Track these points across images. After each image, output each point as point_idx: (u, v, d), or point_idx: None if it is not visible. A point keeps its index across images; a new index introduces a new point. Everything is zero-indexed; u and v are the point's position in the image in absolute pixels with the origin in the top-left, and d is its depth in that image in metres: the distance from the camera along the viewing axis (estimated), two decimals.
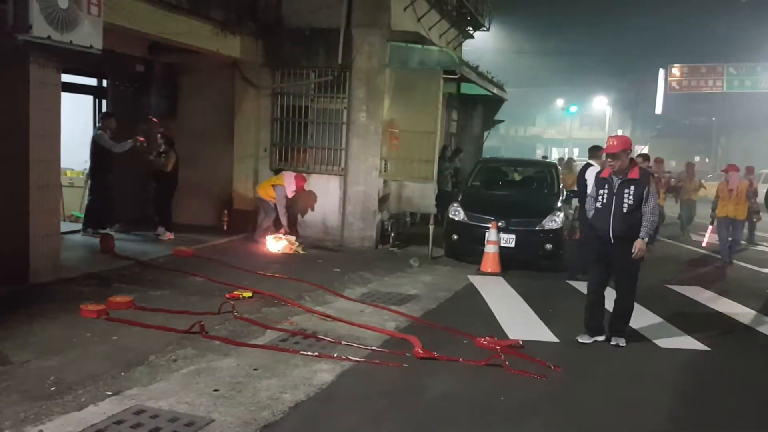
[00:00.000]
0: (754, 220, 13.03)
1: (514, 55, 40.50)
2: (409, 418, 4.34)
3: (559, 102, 54.21)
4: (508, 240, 9.43)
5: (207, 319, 5.95)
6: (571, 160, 19.90)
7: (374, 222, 10.67)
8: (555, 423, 4.42)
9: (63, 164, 8.26)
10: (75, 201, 10.93)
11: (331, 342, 5.62)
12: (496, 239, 9.24)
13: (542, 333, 6.42)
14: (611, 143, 5.89)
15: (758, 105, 37.50)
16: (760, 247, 13.43)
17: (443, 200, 11.82)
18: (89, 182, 10.33)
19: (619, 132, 52.68)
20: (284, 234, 10.16)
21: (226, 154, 11.15)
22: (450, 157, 13.88)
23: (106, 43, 7.00)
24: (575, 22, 43.16)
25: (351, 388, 4.75)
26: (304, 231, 10.94)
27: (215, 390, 4.50)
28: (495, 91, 14.79)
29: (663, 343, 6.25)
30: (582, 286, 7.13)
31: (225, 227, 11.05)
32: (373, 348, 5.55)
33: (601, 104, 53.51)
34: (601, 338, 6.07)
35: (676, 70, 35.57)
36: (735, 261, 11.21)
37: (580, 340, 6.04)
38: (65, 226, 9.62)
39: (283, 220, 10.34)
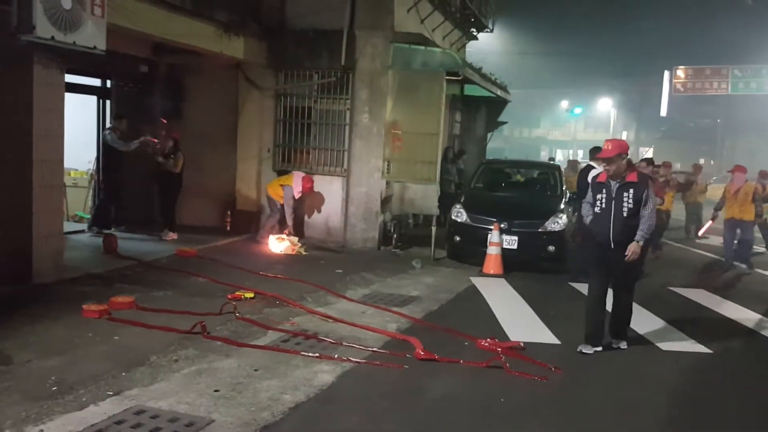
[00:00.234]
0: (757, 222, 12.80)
1: (519, 57, 40.50)
2: (409, 420, 4.34)
3: (564, 104, 54.16)
4: (511, 242, 9.42)
5: (209, 319, 5.96)
6: (576, 162, 19.79)
7: (377, 223, 10.68)
8: (555, 425, 4.41)
9: (67, 164, 8.31)
10: (79, 201, 11.00)
11: (332, 343, 5.63)
12: (499, 241, 9.23)
13: (544, 335, 6.41)
14: (606, 147, 5.79)
15: (763, 107, 37.40)
16: None
17: (446, 202, 11.81)
18: (97, 182, 10.42)
19: (624, 134, 52.68)
20: (288, 235, 10.17)
21: (230, 155, 11.17)
22: (453, 159, 13.87)
23: (110, 44, 7.02)
24: (579, 24, 43.09)
25: (351, 389, 4.75)
26: (307, 232, 10.95)
27: (216, 390, 4.51)
28: (498, 92, 14.78)
29: (664, 345, 6.23)
30: (584, 288, 7.10)
31: (228, 228, 11.07)
32: (374, 349, 5.55)
33: (605, 106, 53.48)
34: (600, 348, 5.92)
35: (680, 72, 35.50)
36: (757, 270, 10.80)
37: (583, 351, 5.86)
38: (69, 226, 9.70)
39: (289, 221, 10.36)
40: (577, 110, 50.03)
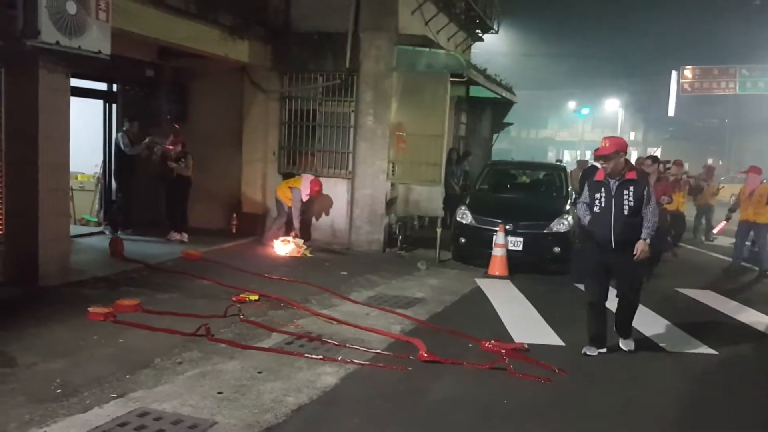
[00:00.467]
0: None
1: (526, 58, 40.46)
2: (411, 421, 4.34)
3: (571, 104, 54.07)
4: (516, 243, 9.40)
5: (213, 322, 5.97)
6: (585, 161, 19.64)
7: (381, 225, 10.69)
8: (557, 427, 4.40)
9: (74, 168, 8.38)
10: (86, 204, 11.06)
11: (336, 345, 5.63)
12: (504, 242, 9.21)
13: (548, 336, 6.39)
14: (604, 144, 5.59)
15: None
16: None
17: (451, 203, 11.81)
18: (104, 185, 10.51)
19: (632, 135, 52.54)
20: (294, 237, 10.19)
21: (235, 157, 11.21)
22: (457, 161, 13.84)
23: (115, 48, 7.06)
24: (586, 25, 43.03)
25: (354, 391, 4.75)
26: (312, 234, 10.98)
27: (219, 393, 4.53)
28: (504, 94, 14.76)
29: (670, 347, 6.20)
30: None
31: (234, 230, 11.09)
32: (378, 351, 5.55)
33: (613, 106, 53.34)
34: (604, 350, 5.85)
35: (688, 72, 35.33)
36: None
37: (587, 353, 5.79)
38: (76, 229, 9.76)
39: (296, 223, 10.39)
40: (585, 111, 49.96)
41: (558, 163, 15.97)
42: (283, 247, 9.90)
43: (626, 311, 5.89)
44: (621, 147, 5.58)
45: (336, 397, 4.61)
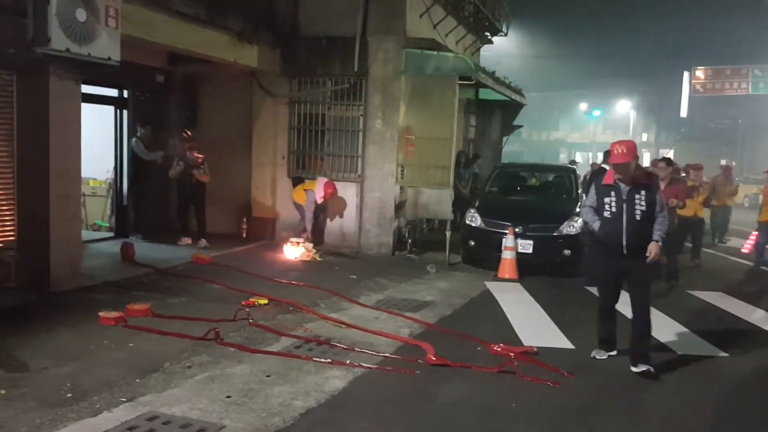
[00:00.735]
0: None
1: (536, 59, 40.35)
2: (418, 425, 4.34)
3: (583, 106, 53.86)
4: (526, 246, 9.37)
5: (222, 326, 5.99)
6: (595, 165, 19.55)
7: (391, 228, 10.69)
8: (566, 430, 4.38)
9: (85, 174, 8.46)
10: (98, 210, 11.15)
11: (345, 349, 5.64)
12: (514, 245, 9.18)
13: (558, 340, 6.37)
14: (619, 151, 5.30)
15: None
16: None
17: (460, 206, 11.79)
18: (115, 191, 10.61)
19: (644, 136, 52.21)
20: (306, 240, 10.23)
21: (245, 162, 11.27)
22: (465, 164, 13.80)
23: (125, 54, 7.12)
24: (596, 26, 42.84)
25: (362, 394, 4.76)
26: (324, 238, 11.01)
27: (228, 396, 4.54)
28: (513, 96, 14.73)
29: (681, 349, 6.15)
30: None
31: (244, 235, 11.14)
32: (386, 355, 5.55)
33: (624, 108, 53.08)
34: (614, 353, 5.76)
35: (700, 73, 35.10)
36: None
37: (597, 357, 5.73)
38: (87, 235, 9.84)
39: (308, 226, 10.43)
40: (596, 112, 49.78)
41: (570, 165, 15.83)
42: (293, 250, 9.93)
43: (641, 326, 5.49)
44: (636, 152, 5.39)
45: (344, 401, 4.61)
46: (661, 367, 5.54)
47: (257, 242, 10.83)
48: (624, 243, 5.38)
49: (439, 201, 11.07)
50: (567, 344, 6.22)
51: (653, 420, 4.59)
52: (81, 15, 6.37)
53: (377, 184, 10.68)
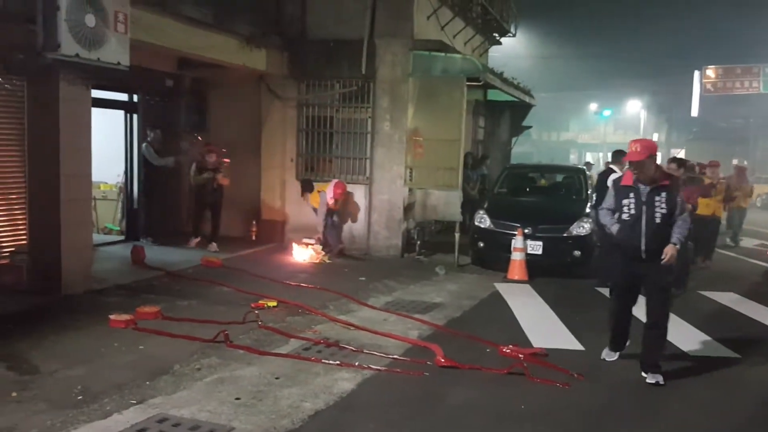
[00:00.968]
0: None
1: (546, 60, 40.19)
2: (427, 427, 4.34)
3: (593, 106, 53.53)
4: (535, 247, 9.34)
5: (232, 328, 6.03)
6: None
7: (399, 230, 10.69)
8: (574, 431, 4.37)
9: (96, 178, 8.52)
10: (108, 214, 11.23)
11: (353, 351, 5.64)
12: (523, 246, 9.15)
13: (567, 341, 6.34)
14: (634, 149, 5.11)
15: None
16: None
17: (469, 207, 11.76)
18: (126, 194, 10.69)
19: (655, 136, 51.78)
20: (318, 241, 10.24)
21: (254, 165, 11.31)
22: (473, 165, 13.75)
23: (135, 59, 7.18)
24: (606, 25, 42.62)
25: (371, 396, 4.76)
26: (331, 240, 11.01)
27: (237, 398, 4.56)
28: (522, 97, 14.69)
29: (692, 350, 6.11)
30: None
31: (253, 237, 11.18)
32: (395, 357, 5.56)
33: (635, 108, 52.71)
34: (624, 350, 5.64)
35: (710, 72, 34.90)
36: None
37: (606, 359, 5.65)
38: (98, 238, 9.91)
39: (319, 228, 10.45)
40: (606, 113, 49.48)
41: (583, 165, 15.59)
42: (302, 253, 9.95)
43: (656, 334, 5.31)
44: (653, 150, 5.17)
45: (352, 403, 4.61)
46: (671, 369, 5.47)
47: (266, 245, 10.86)
48: (642, 247, 5.17)
49: (447, 203, 11.05)
50: (577, 346, 6.19)
51: (663, 423, 4.56)
52: (90, 20, 6.42)
53: (386, 186, 10.69)
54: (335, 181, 10.51)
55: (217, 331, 5.82)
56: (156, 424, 4.13)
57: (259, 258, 10.08)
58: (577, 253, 9.34)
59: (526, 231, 9.26)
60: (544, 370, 5.32)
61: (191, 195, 10.87)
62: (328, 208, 10.36)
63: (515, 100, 14.64)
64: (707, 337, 6.56)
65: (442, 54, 10.57)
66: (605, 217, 5.51)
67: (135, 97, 10.73)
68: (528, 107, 16.27)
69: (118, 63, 6.87)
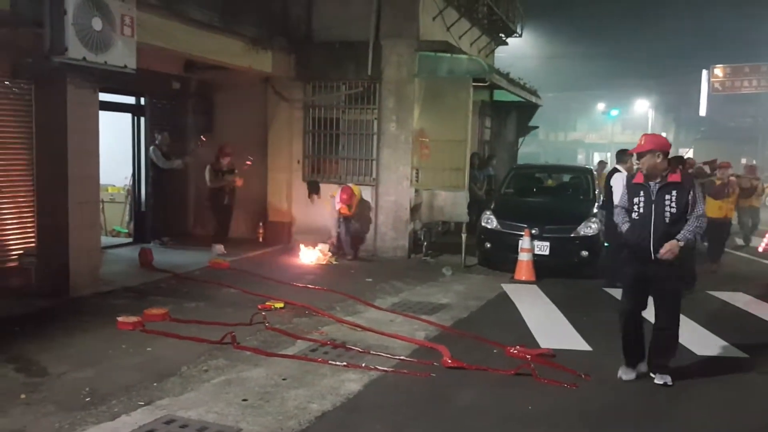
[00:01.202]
0: None
1: (553, 60, 40.12)
2: (434, 428, 4.33)
3: (600, 106, 53.35)
4: (542, 247, 9.30)
5: (239, 330, 6.04)
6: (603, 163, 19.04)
7: (406, 231, 10.69)
8: None
9: (104, 180, 8.56)
10: (116, 216, 11.29)
11: (360, 352, 5.65)
12: (530, 247, 9.13)
13: (575, 342, 6.32)
14: (641, 142, 5.10)
15: None
16: None
17: (475, 208, 11.75)
18: (133, 197, 10.74)
19: (663, 135, 51.58)
20: (332, 245, 10.25)
21: (261, 166, 11.32)
22: (479, 165, 13.72)
23: (141, 62, 7.21)
24: (613, 25, 42.53)
25: (378, 397, 4.76)
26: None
27: (244, 400, 4.57)
28: (528, 97, 14.66)
29: (700, 350, 6.07)
30: (619, 294, 6.92)
31: (260, 239, 11.21)
32: (402, 357, 5.55)
33: (642, 107, 52.50)
34: (644, 368, 5.31)
35: (718, 71, 34.77)
36: None
37: (624, 378, 5.25)
38: (106, 241, 9.96)
39: (333, 232, 10.46)
40: (614, 112, 49.23)
41: (596, 165, 15.33)
42: (309, 254, 9.96)
43: (662, 338, 5.20)
44: (658, 145, 5.05)
45: (359, 404, 4.62)
46: (679, 369, 5.42)
47: (273, 246, 10.88)
48: (651, 247, 5.02)
49: (454, 203, 11.04)
50: (584, 346, 6.17)
51: (671, 424, 4.54)
52: (97, 24, 6.45)
53: (392, 187, 10.69)
54: (344, 186, 10.49)
55: (224, 333, 5.85)
56: (164, 425, 4.14)
57: (266, 259, 10.10)
58: (584, 253, 9.31)
59: (533, 231, 9.23)
60: (552, 370, 5.30)
61: (198, 198, 10.91)
62: (341, 214, 10.35)
63: (522, 100, 14.62)
64: (716, 338, 6.51)
65: (448, 55, 10.56)
66: (618, 216, 5.37)
67: (142, 100, 10.79)
68: (534, 107, 16.24)
69: (125, 66, 6.90)
